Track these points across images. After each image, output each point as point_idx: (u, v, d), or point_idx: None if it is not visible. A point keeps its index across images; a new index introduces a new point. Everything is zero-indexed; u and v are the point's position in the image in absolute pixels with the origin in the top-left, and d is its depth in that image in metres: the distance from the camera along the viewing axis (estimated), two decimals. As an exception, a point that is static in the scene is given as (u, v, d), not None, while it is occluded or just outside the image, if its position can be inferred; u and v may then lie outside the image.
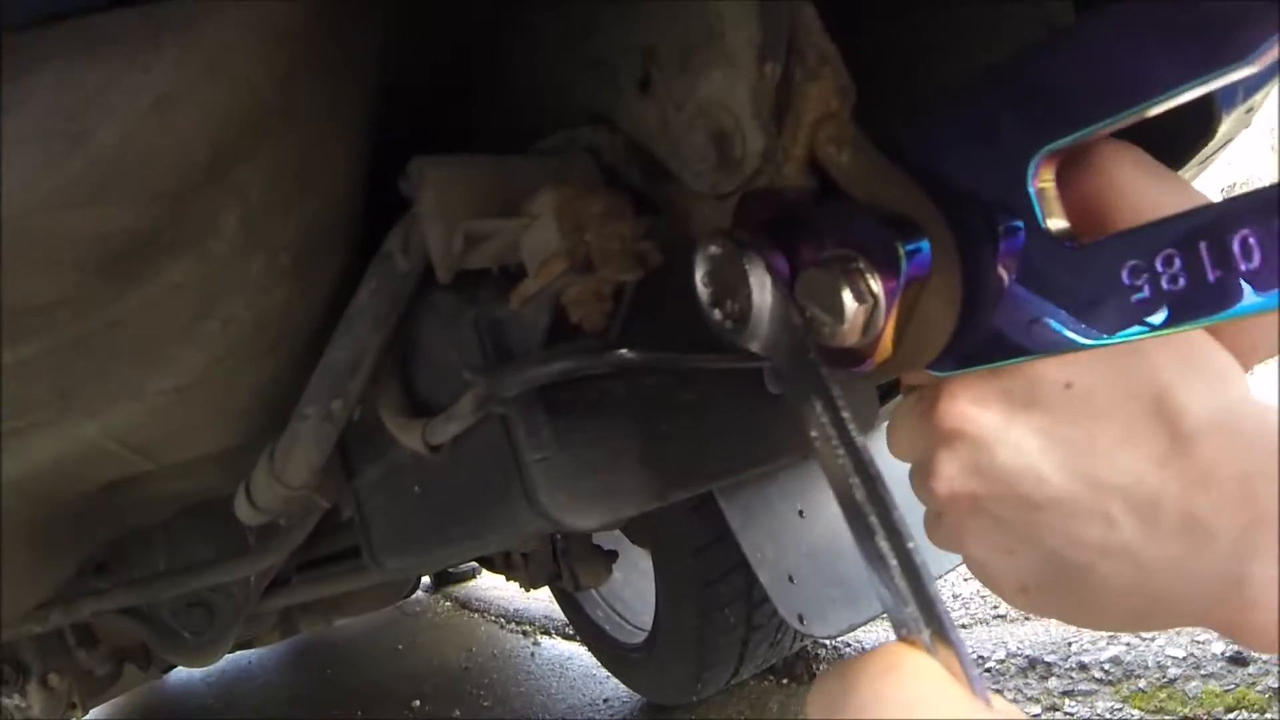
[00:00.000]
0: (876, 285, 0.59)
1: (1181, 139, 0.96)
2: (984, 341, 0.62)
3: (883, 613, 1.66)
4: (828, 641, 2.93)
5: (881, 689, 0.51)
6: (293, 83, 0.65)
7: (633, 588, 2.92)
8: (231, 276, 0.76)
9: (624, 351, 0.72)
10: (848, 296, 0.59)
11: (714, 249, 0.64)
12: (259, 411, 1.00)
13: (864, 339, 0.61)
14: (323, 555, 1.92)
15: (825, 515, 1.86)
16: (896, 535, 0.54)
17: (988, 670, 2.67)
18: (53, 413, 0.83)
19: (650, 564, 2.43)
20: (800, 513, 1.86)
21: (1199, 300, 0.52)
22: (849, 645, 3.00)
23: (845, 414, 0.57)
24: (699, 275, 0.65)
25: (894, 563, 0.54)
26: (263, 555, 1.51)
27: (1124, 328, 0.55)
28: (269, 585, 1.76)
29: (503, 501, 0.79)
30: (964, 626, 3.16)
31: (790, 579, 1.83)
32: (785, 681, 2.88)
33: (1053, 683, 2.50)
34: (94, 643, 1.89)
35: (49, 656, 1.86)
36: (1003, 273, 0.60)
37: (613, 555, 2.35)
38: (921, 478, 0.70)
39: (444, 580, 4.51)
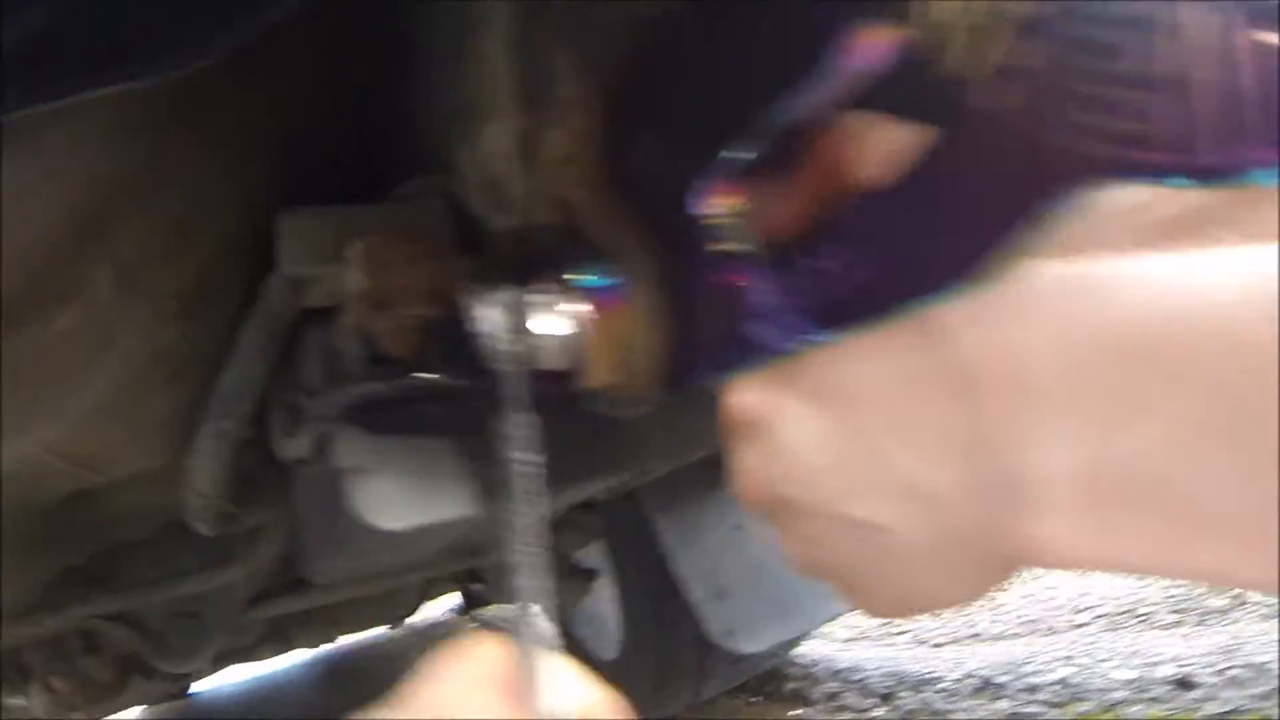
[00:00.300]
0: (575, 312, 0.69)
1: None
2: (729, 350, 0.67)
3: (815, 628, 1.76)
4: (800, 660, 2.97)
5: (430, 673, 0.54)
6: (158, 161, 0.80)
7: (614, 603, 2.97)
8: (119, 319, 0.91)
9: (422, 377, 0.83)
10: (550, 323, 0.69)
11: (469, 287, 0.76)
12: (181, 432, 1.14)
13: (574, 362, 0.71)
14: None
15: (761, 531, 1.94)
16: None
17: (941, 689, 2.69)
18: None
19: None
20: (737, 527, 1.92)
21: (849, 308, 0.57)
22: (817, 665, 3.05)
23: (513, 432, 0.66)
24: (465, 310, 0.77)
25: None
26: (242, 563, 1.63)
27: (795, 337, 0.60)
28: (255, 596, 1.87)
29: (347, 505, 0.92)
30: (937, 645, 3.20)
31: (722, 595, 1.89)
32: (756, 699, 2.91)
33: (1002, 704, 2.52)
34: (96, 650, 2.02)
35: (52, 661, 2.00)
36: (735, 287, 0.66)
37: (592, 573, 2.42)
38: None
39: (474, 602, 4.60)
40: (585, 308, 0.71)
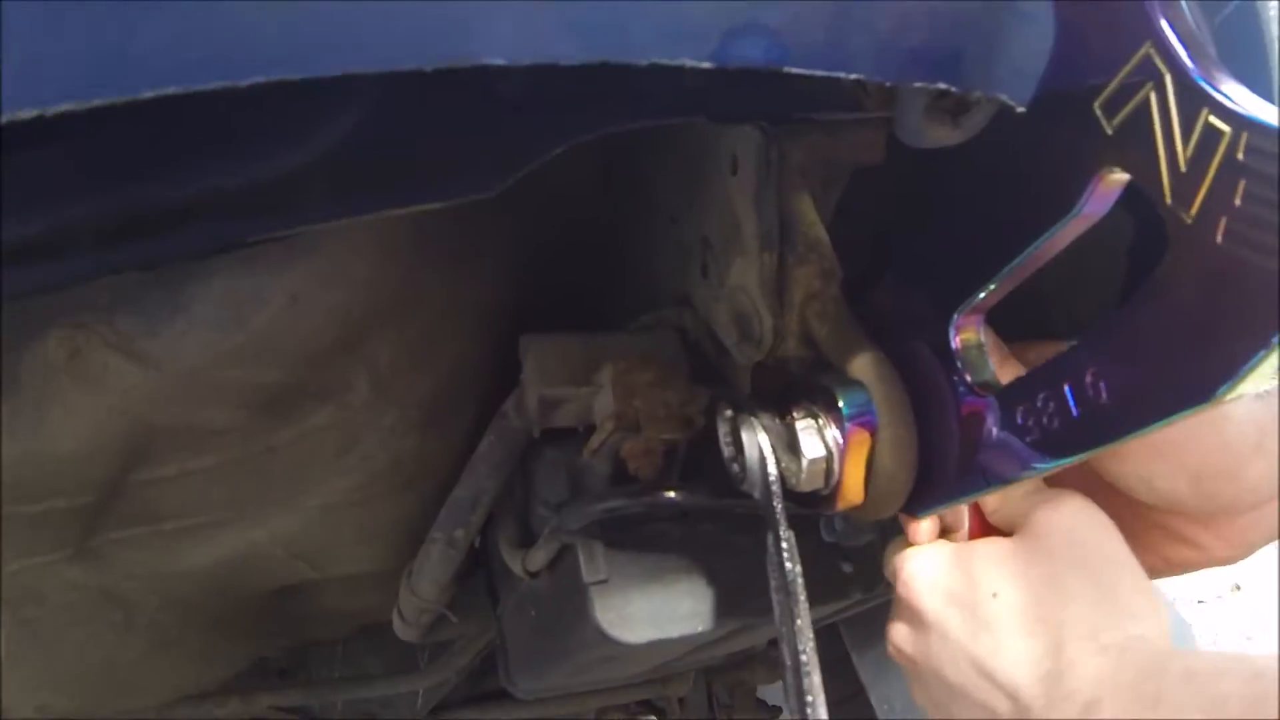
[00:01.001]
0: (829, 439, 0.75)
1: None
2: (964, 479, 0.76)
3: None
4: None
5: None
6: (412, 280, 0.89)
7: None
8: (367, 424, 0.99)
9: (666, 495, 0.89)
10: (805, 448, 0.75)
11: (726, 413, 0.81)
12: (403, 540, 1.22)
13: (827, 485, 0.76)
14: (490, 690, 2.10)
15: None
16: (791, 634, 0.68)
17: None
18: (229, 515, 1.09)
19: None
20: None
21: (1072, 434, 0.64)
22: None
23: (787, 558, 0.71)
24: (721, 435, 0.83)
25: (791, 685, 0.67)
26: (430, 673, 1.70)
27: (1036, 461, 0.67)
28: (435, 708, 1.94)
29: (577, 621, 0.97)
30: None
31: (914, 731, 1.91)
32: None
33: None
34: (271, 743, 2.11)
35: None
36: (972, 420, 0.74)
37: (777, 710, 2.42)
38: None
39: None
40: (837, 433, 0.75)
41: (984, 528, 0.85)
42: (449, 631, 1.46)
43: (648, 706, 2.79)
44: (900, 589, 0.83)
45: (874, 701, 1.90)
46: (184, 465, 0.98)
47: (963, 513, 0.86)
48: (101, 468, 0.94)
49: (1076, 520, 0.77)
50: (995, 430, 0.71)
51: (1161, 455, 0.78)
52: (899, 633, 0.84)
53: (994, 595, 0.75)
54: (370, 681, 1.78)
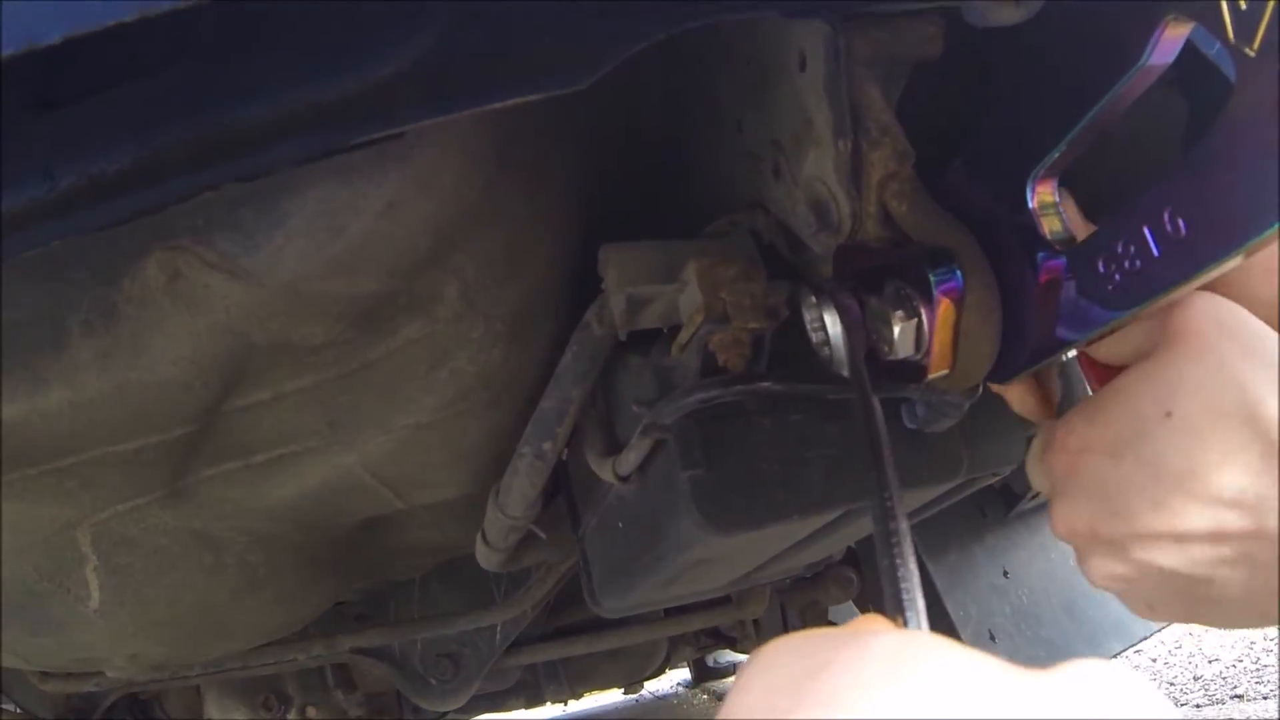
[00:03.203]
0: (919, 306, 0.81)
1: None
2: (1042, 342, 0.80)
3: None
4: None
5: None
6: (493, 191, 0.93)
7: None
8: (456, 336, 1.05)
9: (759, 384, 0.95)
10: (895, 317, 0.81)
11: (811, 299, 0.87)
12: (489, 460, 1.29)
13: (917, 352, 0.82)
14: (565, 624, 2.19)
15: (1030, 576, 2.00)
16: (882, 511, 0.70)
17: None
18: (321, 440, 1.14)
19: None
20: (1005, 573, 2.00)
21: (1155, 274, 0.67)
22: None
23: (879, 422, 0.76)
24: (806, 320, 0.88)
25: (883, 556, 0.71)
26: (508, 607, 1.77)
27: (1121, 307, 0.71)
28: (512, 644, 2.02)
29: (672, 518, 1.02)
30: (1197, 706, 3.16)
31: (992, 636, 1.96)
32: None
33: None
34: (351, 687, 2.19)
35: (310, 692, 2.18)
36: (1049, 286, 0.78)
37: (847, 629, 2.47)
38: (1049, 517, 0.85)
39: (703, 674, 4.68)
40: (925, 299, 0.81)
41: (1101, 374, 0.87)
42: (530, 557, 1.53)
43: (717, 636, 2.87)
44: (1056, 463, 0.81)
45: (950, 609, 1.95)
46: (280, 388, 1.03)
47: (1054, 379, 0.90)
48: (200, 394, 0.99)
49: (1216, 310, 0.73)
50: (1075, 289, 0.76)
51: (1255, 271, 0.76)
52: (1068, 511, 0.80)
53: (1167, 415, 0.71)
54: (450, 619, 1.86)
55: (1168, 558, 0.73)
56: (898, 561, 0.66)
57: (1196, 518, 0.70)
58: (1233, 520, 0.69)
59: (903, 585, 0.64)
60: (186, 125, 0.70)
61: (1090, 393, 0.85)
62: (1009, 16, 0.74)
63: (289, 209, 0.83)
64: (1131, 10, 0.65)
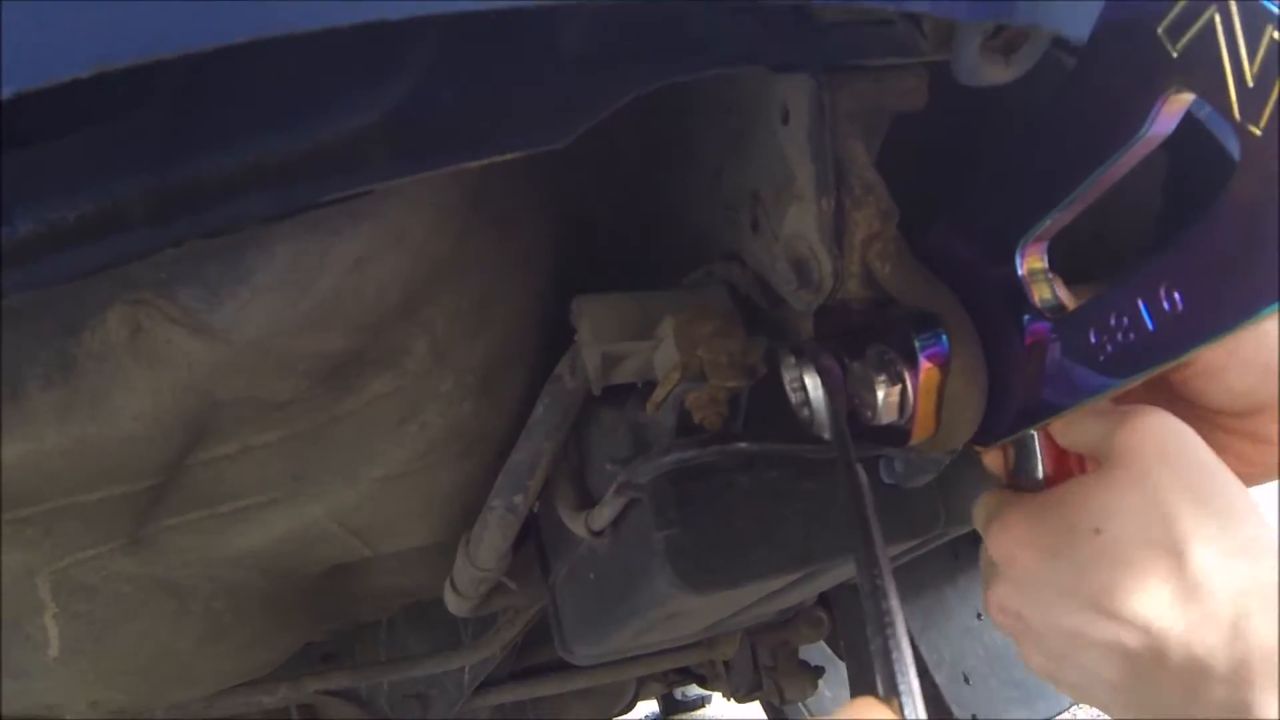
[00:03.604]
0: (903, 372, 0.79)
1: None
2: (1028, 405, 0.79)
3: (1060, 712, 1.78)
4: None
5: None
6: (465, 243, 0.91)
7: (840, 703, 2.96)
8: (425, 390, 1.02)
9: (735, 445, 0.93)
10: (879, 382, 0.79)
11: (790, 360, 0.85)
12: (458, 510, 1.26)
13: (901, 418, 0.80)
14: (534, 664, 2.16)
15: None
16: (873, 589, 0.71)
17: None
18: (287, 492, 1.12)
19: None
20: (979, 615, 1.99)
21: (1147, 347, 0.67)
22: None
23: (866, 495, 0.75)
24: (785, 381, 0.86)
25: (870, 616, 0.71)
26: (476, 649, 1.75)
27: (1116, 375, 0.70)
28: (481, 684, 1.99)
29: (646, 575, 1.00)
30: None
31: (966, 679, 1.96)
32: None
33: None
34: (315, 726, 2.17)
35: (272, 732, 2.14)
36: (1035, 350, 0.77)
37: (819, 671, 2.47)
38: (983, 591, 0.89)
39: (671, 708, 4.66)
40: (910, 365, 0.80)
41: (1057, 458, 0.88)
42: (499, 603, 1.50)
43: (686, 674, 2.85)
44: (993, 548, 0.83)
45: (924, 650, 1.94)
46: (246, 441, 1.01)
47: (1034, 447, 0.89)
48: (163, 449, 0.96)
49: (1162, 434, 0.76)
50: (1061, 353, 0.75)
51: (1231, 353, 0.78)
52: (1000, 593, 0.83)
53: (1096, 531, 0.75)
54: (417, 661, 1.83)
55: (1083, 657, 0.77)
56: (890, 644, 0.66)
57: (1101, 630, 0.74)
58: (1134, 641, 0.73)
59: (896, 669, 0.66)
60: (150, 173, 0.68)
61: (1040, 464, 0.88)
62: (999, 75, 0.72)
63: (255, 263, 0.81)
64: (1132, 78, 0.64)
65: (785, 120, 0.85)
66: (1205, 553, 0.71)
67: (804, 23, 0.76)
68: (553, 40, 0.71)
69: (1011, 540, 0.81)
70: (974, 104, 0.80)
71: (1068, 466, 0.86)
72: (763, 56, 0.76)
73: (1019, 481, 0.88)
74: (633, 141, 1.13)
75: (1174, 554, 0.71)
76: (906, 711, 0.64)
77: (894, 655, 0.66)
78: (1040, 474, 0.87)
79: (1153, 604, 0.71)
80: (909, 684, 0.66)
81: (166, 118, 0.69)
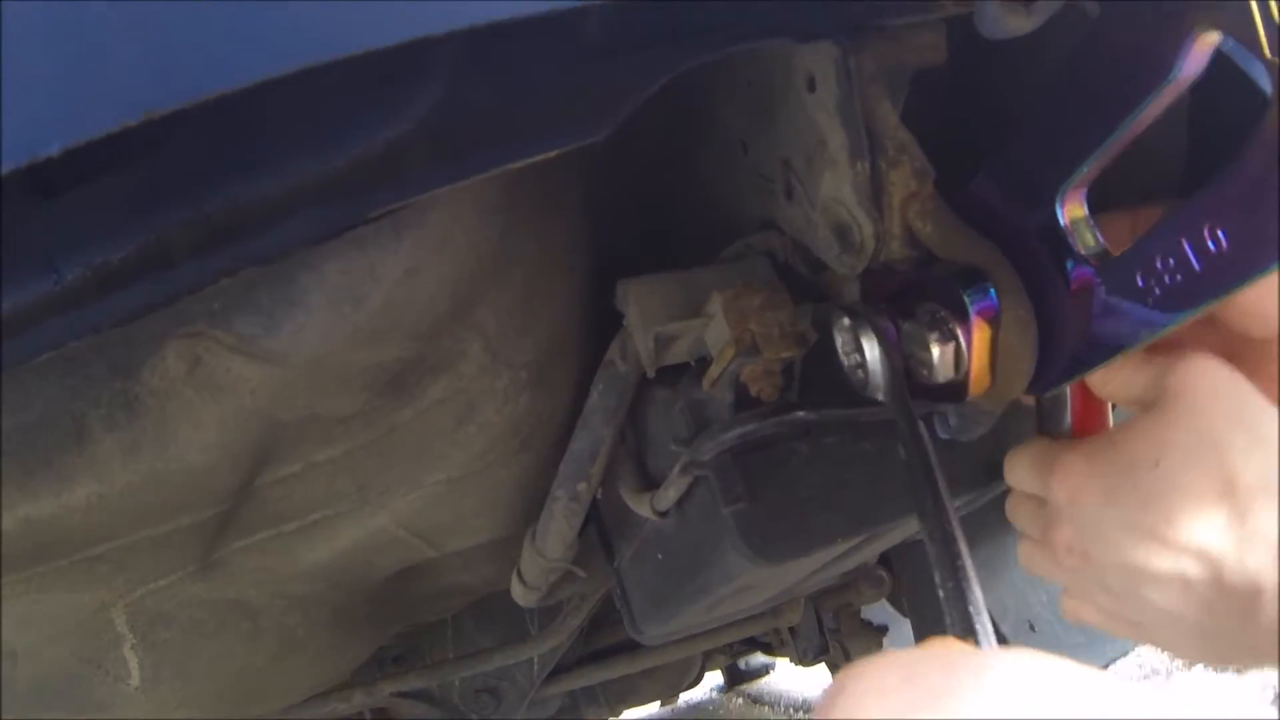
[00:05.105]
0: (955, 329, 0.79)
1: None
2: (1080, 353, 0.80)
3: (1126, 652, 1.79)
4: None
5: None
6: (507, 240, 0.91)
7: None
8: (482, 390, 1.03)
9: (795, 414, 0.93)
10: (933, 340, 0.79)
11: (844, 322, 0.86)
12: (520, 504, 1.28)
13: (957, 374, 0.81)
14: (601, 647, 2.17)
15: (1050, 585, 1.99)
16: (954, 562, 0.73)
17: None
18: (353, 503, 1.13)
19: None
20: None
21: (1196, 286, 0.68)
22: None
23: (929, 449, 0.76)
24: (839, 345, 0.87)
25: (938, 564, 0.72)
26: (544, 639, 1.76)
27: (1160, 319, 0.72)
28: (550, 672, 2.00)
29: (716, 551, 1.01)
30: (1238, 671, 3.14)
31: (1031, 627, 1.96)
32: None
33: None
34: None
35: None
36: (1080, 295, 0.78)
37: (883, 629, 2.47)
38: (1028, 517, 0.94)
39: (736, 678, 4.67)
40: (961, 321, 0.80)
41: (1083, 410, 0.89)
42: (565, 591, 1.51)
43: (751, 644, 2.86)
44: (1056, 490, 0.86)
45: (988, 601, 1.95)
46: (310, 459, 1.02)
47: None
48: (231, 476, 0.97)
49: (1211, 375, 0.79)
50: (1108, 298, 0.76)
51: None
52: (1065, 534, 0.86)
53: (1155, 464, 0.78)
54: (486, 655, 1.84)
55: (1146, 591, 0.80)
56: (964, 586, 0.67)
57: (1163, 560, 0.77)
58: (1194, 569, 0.76)
59: (971, 609, 0.69)
60: (190, 205, 0.68)
61: (1069, 411, 0.92)
62: (1021, 25, 0.72)
63: (307, 285, 0.81)
64: (1159, 21, 0.64)
65: (812, 88, 0.85)
66: (1254, 479, 0.74)
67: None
68: (577, 32, 0.71)
69: (1075, 480, 0.84)
70: (1000, 54, 0.80)
71: (1093, 418, 0.87)
72: (785, 28, 0.76)
73: (1048, 432, 0.90)
74: (653, 121, 1.13)
75: (1226, 481, 0.75)
76: (983, 645, 0.65)
77: (968, 595, 0.67)
78: (1068, 424, 0.89)
79: (1208, 531, 0.75)
80: (983, 623, 0.67)
81: (199, 149, 0.69)
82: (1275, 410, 0.78)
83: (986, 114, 0.93)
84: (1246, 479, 0.74)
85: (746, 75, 0.95)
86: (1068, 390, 0.89)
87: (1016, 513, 0.96)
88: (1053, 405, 0.91)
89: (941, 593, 0.72)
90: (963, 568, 0.71)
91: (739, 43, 0.75)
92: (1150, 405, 0.82)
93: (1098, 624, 0.91)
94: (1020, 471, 0.93)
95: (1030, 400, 0.90)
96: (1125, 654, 2.27)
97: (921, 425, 0.80)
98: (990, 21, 0.73)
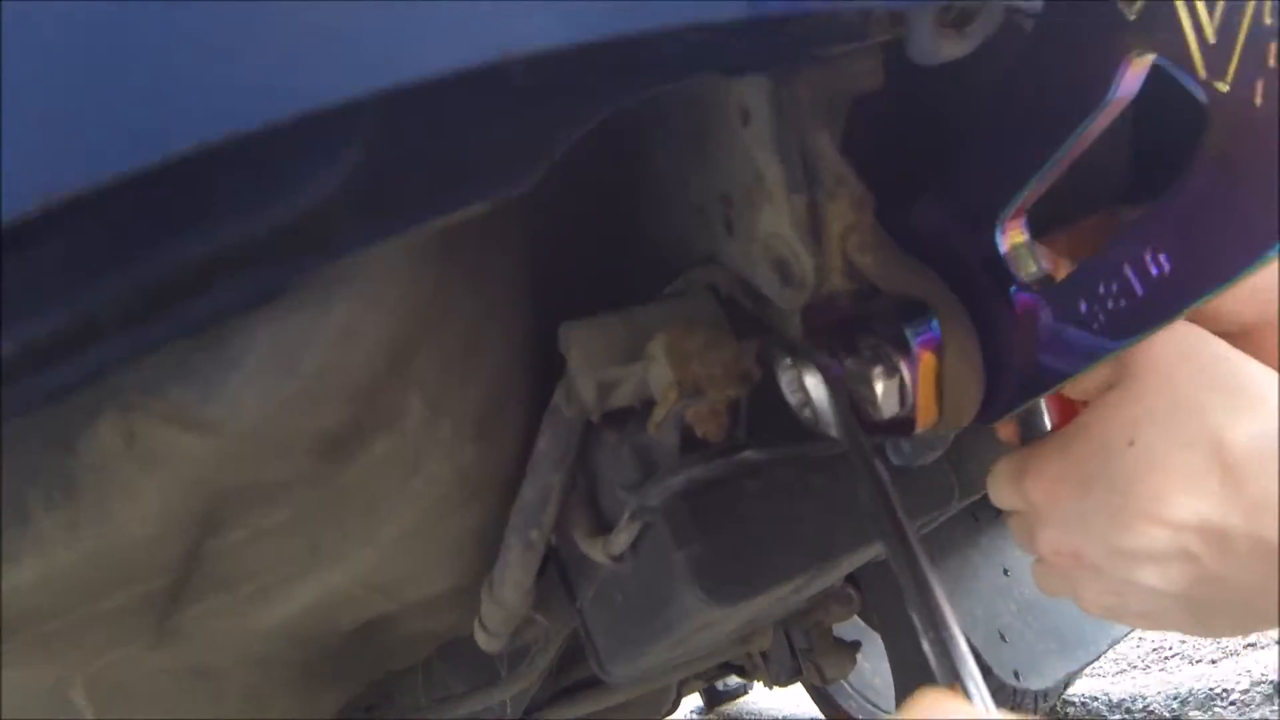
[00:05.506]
0: (899, 363, 0.78)
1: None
2: (1027, 380, 0.79)
3: (1098, 656, 1.79)
4: (1077, 699, 2.97)
5: None
6: (443, 290, 0.90)
7: (883, 675, 3.00)
8: (426, 443, 1.01)
9: (743, 454, 0.92)
10: (876, 376, 0.78)
11: (786, 361, 0.84)
12: (476, 552, 1.25)
13: (903, 408, 0.80)
14: (573, 683, 2.15)
15: (1030, 569, 1.98)
16: (922, 588, 0.71)
17: (1233, 702, 2.67)
18: (306, 564, 1.11)
19: (893, 648, 2.50)
20: (1005, 571, 1.99)
21: (1140, 311, 0.67)
22: (1096, 699, 3.03)
23: (883, 478, 0.74)
24: (783, 384, 0.86)
25: (918, 614, 0.70)
26: (513, 681, 1.74)
27: (1105, 345, 0.70)
28: (525, 710, 1.98)
29: (673, 593, 0.99)
30: (1213, 661, 3.16)
31: (1002, 637, 1.96)
32: (1044, 741, 2.90)
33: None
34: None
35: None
36: (1026, 321, 0.77)
37: (855, 645, 2.47)
38: (1022, 534, 0.89)
39: (715, 699, 4.66)
40: (905, 354, 0.79)
41: (1062, 408, 0.87)
42: (530, 634, 1.49)
43: (725, 668, 2.84)
44: (1031, 494, 0.83)
45: (957, 614, 1.94)
46: (257, 525, 1.00)
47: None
48: (175, 545, 0.95)
49: (1175, 336, 0.76)
50: (1053, 323, 0.75)
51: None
52: (1050, 537, 0.83)
53: (1130, 444, 0.75)
54: (459, 700, 1.81)
55: (1146, 575, 0.77)
56: (944, 635, 0.66)
57: (1163, 540, 0.74)
58: (1196, 543, 0.72)
59: (955, 659, 0.66)
60: (118, 275, 0.66)
61: (1046, 416, 0.89)
62: (954, 50, 0.71)
63: (241, 349, 0.79)
64: (1093, 43, 0.63)
65: (746, 122, 0.84)
66: (1242, 437, 0.71)
67: (752, 24, 0.75)
68: (501, 78, 0.69)
69: (1048, 481, 0.82)
70: (938, 76, 0.79)
71: (1073, 414, 0.85)
72: (715, 63, 0.75)
73: (1027, 442, 0.88)
74: (589, 161, 1.11)
75: (1213, 446, 0.72)
76: (974, 700, 0.64)
77: (950, 646, 0.66)
78: (1048, 428, 0.87)
79: (1204, 501, 0.72)
80: (971, 671, 0.66)
81: (123, 214, 0.67)
82: (1250, 362, 0.74)
83: (929, 137, 0.92)
84: (1235, 439, 0.71)
85: (679, 110, 0.94)
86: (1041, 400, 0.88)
87: (1014, 536, 0.93)
88: (1027, 415, 0.89)
89: (924, 642, 0.70)
90: (943, 617, 0.69)
91: (667, 80, 0.73)
92: (1114, 385, 0.79)
93: (1113, 619, 0.87)
94: (998, 490, 0.91)
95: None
96: (1099, 654, 2.29)
97: (881, 466, 0.78)
98: (923, 51, 0.72)
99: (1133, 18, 0.59)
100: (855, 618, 2.37)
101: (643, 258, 1.16)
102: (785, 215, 0.84)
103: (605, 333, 0.98)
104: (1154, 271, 0.64)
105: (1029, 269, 0.75)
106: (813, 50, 0.78)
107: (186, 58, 0.54)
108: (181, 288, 0.67)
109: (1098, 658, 2.28)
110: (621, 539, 1.02)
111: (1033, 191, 0.73)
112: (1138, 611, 0.82)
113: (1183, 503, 0.72)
